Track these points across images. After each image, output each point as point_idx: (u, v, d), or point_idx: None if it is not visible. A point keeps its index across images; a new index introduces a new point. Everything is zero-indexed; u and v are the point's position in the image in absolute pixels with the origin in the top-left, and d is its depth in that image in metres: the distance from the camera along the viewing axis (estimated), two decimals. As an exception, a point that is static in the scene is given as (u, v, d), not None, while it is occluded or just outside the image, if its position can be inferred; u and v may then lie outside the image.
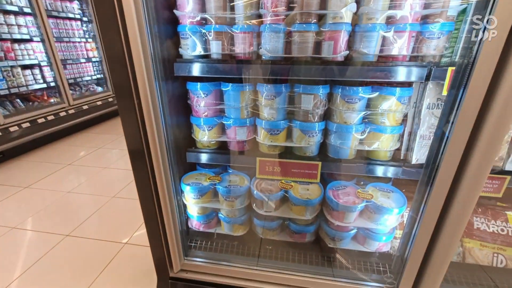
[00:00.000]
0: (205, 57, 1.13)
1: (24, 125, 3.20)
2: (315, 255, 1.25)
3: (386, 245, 1.20)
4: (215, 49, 1.09)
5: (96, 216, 2.18)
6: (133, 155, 0.94)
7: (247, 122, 1.20)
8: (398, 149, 1.16)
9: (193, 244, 1.29)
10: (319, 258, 1.24)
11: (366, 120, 1.14)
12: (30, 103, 3.58)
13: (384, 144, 1.12)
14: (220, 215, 1.30)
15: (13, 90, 3.33)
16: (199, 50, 1.11)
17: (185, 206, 1.28)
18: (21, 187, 2.59)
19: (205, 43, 1.11)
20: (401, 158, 1.17)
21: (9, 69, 3.31)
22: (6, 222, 2.10)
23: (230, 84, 1.14)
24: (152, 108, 0.86)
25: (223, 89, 1.16)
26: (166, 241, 1.07)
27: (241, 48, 1.07)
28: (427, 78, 0.96)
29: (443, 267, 0.93)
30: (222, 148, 1.30)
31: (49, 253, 1.81)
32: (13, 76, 3.36)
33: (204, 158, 1.25)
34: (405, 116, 1.13)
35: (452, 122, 0.80)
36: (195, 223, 1.32)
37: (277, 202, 1.21)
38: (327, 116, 1.20)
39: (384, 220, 1.10)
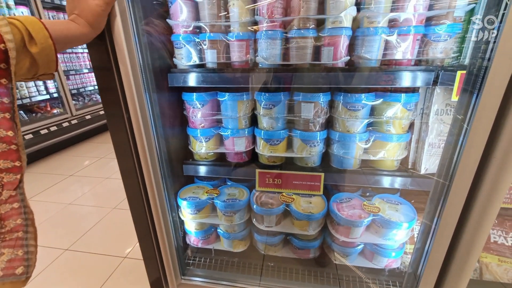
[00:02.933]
0: (201, 66, 1.09)
1: (27, 137, 3.21)
2: (320, 272, 1.18)
3: (396, 261, 1.12)
4: (210, 58, 1.05)
5: (96, 229, 2.14)
6: (123, 170, 0.89)
7: (246, 132, 1.15)
8: (406, 158, 1.10)
9: (191, 261, 1.23)
10: (324, 276, 1.17)
11: (370, 128, 1.08)
12: (34, 114, 3.61)
13: (390, 153, 1.06)
14: (219, 230, 1.24)
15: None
16: (194, 60, 1.07)
17: (182, 221, 1.23)
18: (22, 200, 2.58)
19: (200, 52, 1.07)
20: (409, 167, 1.10)
21: (12, 81, 3.34)
22: (6, 236, 2.08)
23: (227, 93, 1.09)
24: (141, 121, 0.82)
25: (220, 99, 1.12)
26: (161, 260, 1.02)
27: (237, 56, 1.03)
28: (435, 83, 0.91)
29: (460, 285, 0.85)
30: (220, 160, 1.25)
31: (50, 267, 1.77)
32: (16, 89, 3.38)
33: (201, 170, 1.21)
34: (412, 123, 1.07)
35: (466, 129, 0.74)
36: (193, 239, 1.26)
37: (278, 216, 1.15)
38: (329, 124, 1.14)
39: (393, 235, 1.03)
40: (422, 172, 1.03)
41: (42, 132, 3.42)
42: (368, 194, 1.19)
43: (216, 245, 1.27)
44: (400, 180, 1.06)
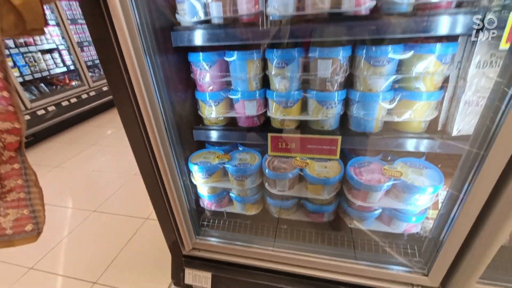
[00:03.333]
0: (207, 22, 0.99)
1: (50, 108, 3.34)
2: (335, 236, 1.17)
3: (415, 226, 1.08)
4: (216, 12, 0.94)
5: (119, 193, 2.27)
6: (131, 138, 0.88)
7: (257, 94, 1.08)
8: (435, 119, 0.99)
9: (205, 223, 1.27)
10: (339, 239, 1.16)
11: (396, 85, 0.97)
12: (54, 86, 3.71)
13: (418, 113, 0.95)
14: (231, 194, 1.24)
15: (36, 75, 3.44)
16: (200, 15, 0.97)
17: (194, 185, 1.24)
18: (52, 167, 2.76)
19: (205, 6, 0.97)
20: (439, 129, 1.00)
21: (30, 54, 3.39)
22: (40, 199, 2.27)
23: (235, 52, 1.00)
24: (143, 86, 0.77)
25: (227, 59, 1.03)
26: (175, 221, 1.04)
27: (245, 8, 0.92)
28: (479, 29, 0.76)
29: (488, 254, 0.80)
30: (231, 124, 1.20)
31: (80, 226, 1.93)
32: (35, 62, 3.45)
33: (212, 135, 1.18)
34: (446, 78, 0.94)
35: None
36: (206, 203, 1.28)
37: (291, 181, 1.12)
38: (348, 83, 1.03)
39: (414, 200, 0.97)
40: (454, 133, 0.93)
41: (64, 104, 3.54)
42: (389, 158, 1.11)
43: (229, 208, 1.29)
44: (427, 143, 0.96)
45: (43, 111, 3.25)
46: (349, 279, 1.02)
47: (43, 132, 3.33)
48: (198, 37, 0.95)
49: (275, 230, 1.23)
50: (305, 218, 1.24)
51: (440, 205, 1.09)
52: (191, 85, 1.17)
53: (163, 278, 1.40)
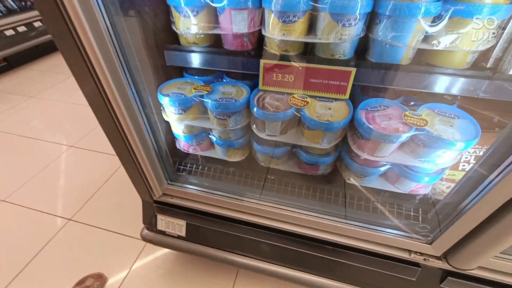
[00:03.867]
0: None
1: (20, 29, 2.91)
2: (328, 191, 1.02)
3: (425, 187, 0.91)
4: None
5: (99, 129, 2.08)
6: (67, 57, 0.61)
7: (249, 2, 0.78)
8: (488, 51, 0.72)
9: (182, 168, 1.10)
10: (332, 195, 1.01)
11: (447, -5, 0.67)
12: (22, 3, 3.17)
13: (468, 40, 0.68)
14: (211, 136, 1.04)
15: (-2, -15, 2.89)
16: None
17: (167, 123, 1.02)
18: (27, 96, 2.52)
19: None
20: (488, 66, 0.74)
21: (-15, -45, 2.79)
22: (14, 130, 2.09)
23: None
24: None
25: None
26: (139, 163, 0.87)
27: None
28: None
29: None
30: (215, 46, 0.93)
31: (54, 163, 1.80)
32: (-7, -35, 2.86)
33: (189, 60, 0.91)
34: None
35: None
36: (183, 144, 1.09)
37: (284, 123, 0.90)
38: (378, -10, 0.73)
39: (435, 157, 0.78)
40: (513, 71, 0.68)
41: (36, 25, 3.07)
42: (412, 103, 0.88)
43: (209, 153, 1.11)
44: (468, 84, 0.72)
45: (12, 32, 2.83)
46: (340, 239, 0.90)
47: (16, 56, 2.97)
48: None
49: (263, 181, 1.07)
50: (296, 169, 1.06)
51: (461, 165, 0.90)
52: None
53: (139, 221, 1.31)
